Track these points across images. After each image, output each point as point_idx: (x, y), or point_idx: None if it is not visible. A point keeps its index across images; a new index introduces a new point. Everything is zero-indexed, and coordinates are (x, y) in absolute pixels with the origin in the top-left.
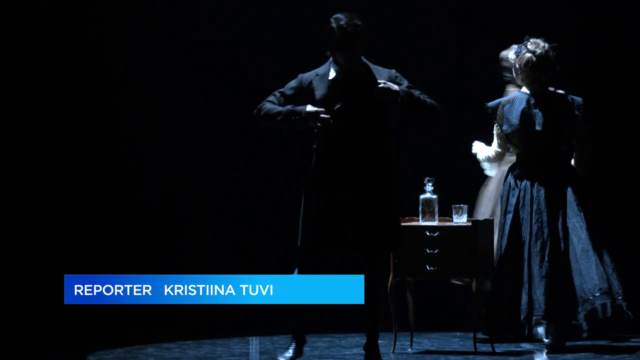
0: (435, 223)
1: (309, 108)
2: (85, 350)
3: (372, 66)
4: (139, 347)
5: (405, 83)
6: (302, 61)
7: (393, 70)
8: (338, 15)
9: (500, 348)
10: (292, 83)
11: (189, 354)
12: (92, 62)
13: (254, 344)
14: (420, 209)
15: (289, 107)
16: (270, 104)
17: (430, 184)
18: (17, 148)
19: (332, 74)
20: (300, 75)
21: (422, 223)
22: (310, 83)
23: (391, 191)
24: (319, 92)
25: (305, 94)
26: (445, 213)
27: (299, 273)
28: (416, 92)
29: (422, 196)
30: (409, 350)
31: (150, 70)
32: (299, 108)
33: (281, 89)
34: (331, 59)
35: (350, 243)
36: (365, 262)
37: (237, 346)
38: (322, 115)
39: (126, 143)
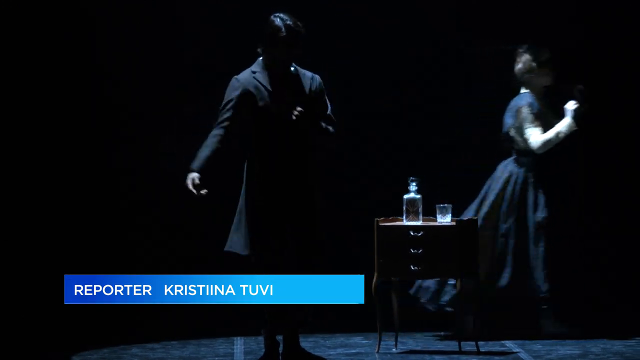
0: (419, 223)
1: (189, 179)
2: (69, 351)
3: (300, 70)
4: (123, 347)
5: (324, 96)
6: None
7: (318, 77)
8: (279, 14)
9: (484, 347)
10: (232, 94)
11: (173, 354)
12: (88, 60)
13: (239, 345)
14: (404, 208)
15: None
16: (210, 137)
17: (414, 183)
18: (17, 149)
19: (264, 74)
20: (236, 80)
21: (406, 223)
22: (250, 87)
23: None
24: (259, 95)
25: (248, 96)
26: (430, 213)
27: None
28: (327, 111)
29: (405, 196)
30: (394, 350)
31: (147, 69)
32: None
33: (227, 106)
34: (260, 58)
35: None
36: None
37: (221, 346)
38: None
39: (125, 144)
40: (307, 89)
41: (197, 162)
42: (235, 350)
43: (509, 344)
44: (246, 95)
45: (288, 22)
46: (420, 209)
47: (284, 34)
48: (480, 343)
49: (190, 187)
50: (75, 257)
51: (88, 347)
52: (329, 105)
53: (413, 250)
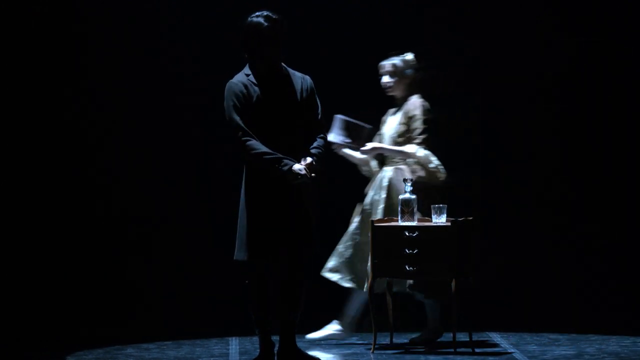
0: (414, 223)
1: (296, 167)
2: (64, 351)
3: (290, 70)
4: (118, 348)
5: (315, 97)
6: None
7: (308, 77)
8: (258, 12)
9: (479, 348)
10: (234, 99)
11: (169, 355)
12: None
13: (234, 345)
14: (399, 209)
15: (275, 157)
16: (255, 142)
17: (409, 184)
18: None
19: (256, 75)
20: (232, 84)
21: (401, 223)
22: (246, 88)
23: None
24: (254, 95)
25: (244, 97)
26: (425, 213)
27: (252, 281)
28: (317, 110)
29: (401, 196)
30: (389, 350)
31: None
32: (285, 163)
33: (236, 114)
34: (248, 64)
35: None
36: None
37: (216, 347)
38: (303, 172)
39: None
40: (298, 90)
41: (274, 155)
42: (230, 351)
43: (504, 344)
44: (243, 96)
45: (265, 14)
46: (415, 209)
47: (267, 24)
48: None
49: (305, 172)
50: (70, 259)
51: (83, 347)
52: (319, 106)
53: (408, 250)
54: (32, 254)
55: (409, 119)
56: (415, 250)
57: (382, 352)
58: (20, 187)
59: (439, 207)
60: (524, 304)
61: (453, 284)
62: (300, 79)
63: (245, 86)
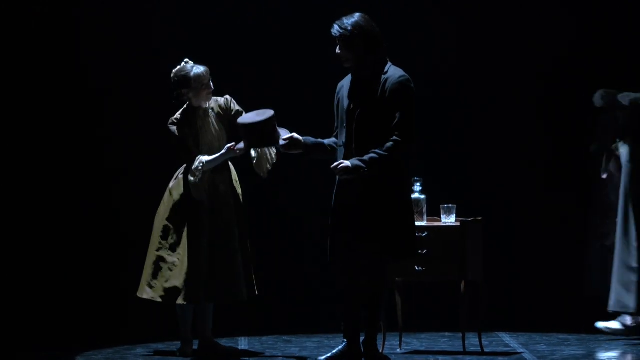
0: (423, 223)
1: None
2: (73, 351)
3: (392, 70)
4: (127, 348)
5: (397, 99)
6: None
7: (395, 78)
8: (358, 16)
9: (489, 348)
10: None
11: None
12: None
13: (243, 344)
14: None
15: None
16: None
17: (418, 184)
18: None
19: (347, 79)
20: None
21: None
22: (340, 89)
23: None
24: (338, 97)
25: (335, 99)
26: (434, 213)
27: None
28: (396, 115)
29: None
30: (398, 350)
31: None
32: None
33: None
34: None
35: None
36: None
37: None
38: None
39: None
40: (377, 92)
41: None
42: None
43: (514, 344)
44: (335, 97)
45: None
46: (424, 209)
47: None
48: (485, 343)
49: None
50: (79, 259)
51: (92, 347)
52: (400, 111)
53: (418, 250)
54: (41, 255)
55: None
56: (425, 250)
57: (392, 352)
58: (26, 188)
59: (449, 207)
60: (533, 304)
61: (462, 284)
62: (384, 81)
63: (342, 87)
